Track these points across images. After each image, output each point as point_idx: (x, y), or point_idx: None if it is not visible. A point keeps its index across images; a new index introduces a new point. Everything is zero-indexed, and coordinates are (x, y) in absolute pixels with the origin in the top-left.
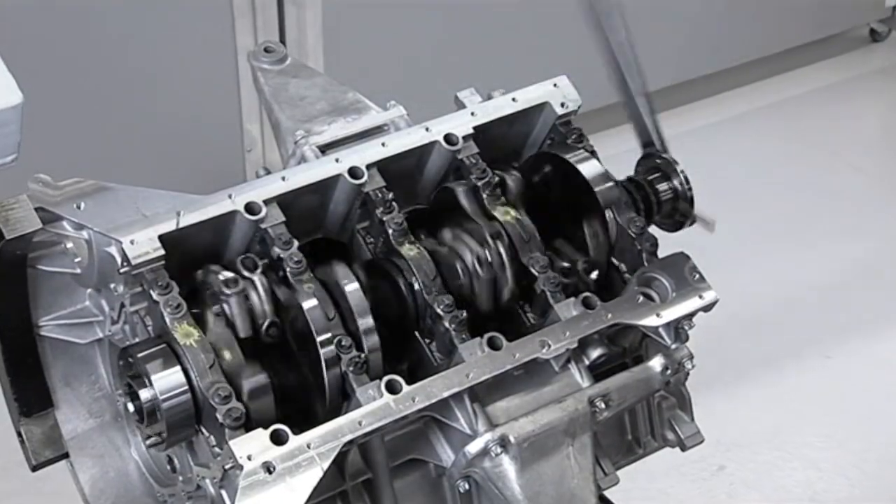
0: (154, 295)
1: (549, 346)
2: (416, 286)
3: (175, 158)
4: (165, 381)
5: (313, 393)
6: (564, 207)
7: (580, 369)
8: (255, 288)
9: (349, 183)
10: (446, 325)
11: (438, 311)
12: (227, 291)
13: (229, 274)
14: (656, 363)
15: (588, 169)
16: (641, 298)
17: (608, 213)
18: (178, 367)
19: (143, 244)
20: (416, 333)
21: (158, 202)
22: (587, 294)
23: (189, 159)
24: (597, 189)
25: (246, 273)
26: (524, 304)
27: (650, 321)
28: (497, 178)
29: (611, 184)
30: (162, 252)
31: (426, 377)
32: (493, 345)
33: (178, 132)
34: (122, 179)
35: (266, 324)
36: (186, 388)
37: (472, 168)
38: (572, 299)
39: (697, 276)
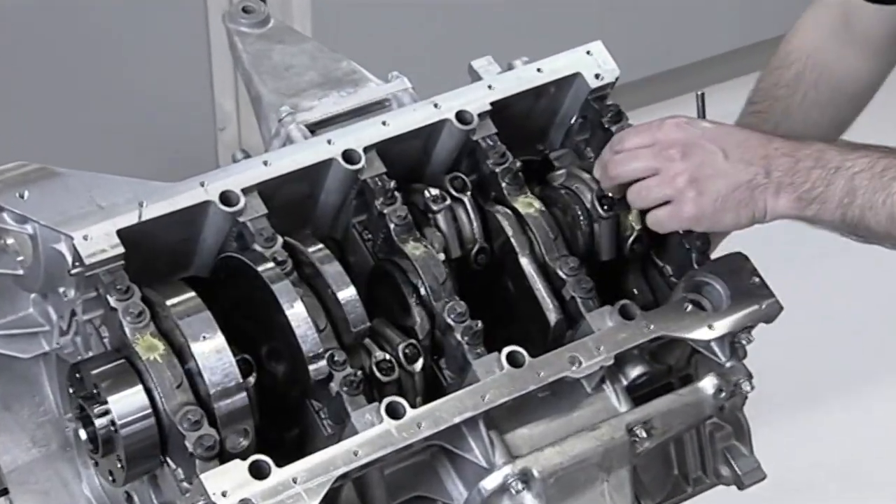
0: (111, 301)
1: (580, 362)
2: (423, 291)
3: (135, 138)
4: (124, 404)
5: (300, 417)
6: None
7: (617, 391)
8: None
9: (343, 168)
10: (458, 337)
11: (449, 320)
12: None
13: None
14: (708, 384)
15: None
16: (690, 307)
17: None
18: (139, 387)
19: (99, 240)
20: None
21: (117, 191)
22: (625, 302)
23: (152, 140)
24: None
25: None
26: None
27: (701, 334)
28: (519, 164)
29: None
30: (121, 250)
31: (433, 399)
32: (514, 361)
33: (138, 108)
34: (74, 163)
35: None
36: (149, 411)
37: (488, 151)
38: (607, 307)
39: (758, 280)
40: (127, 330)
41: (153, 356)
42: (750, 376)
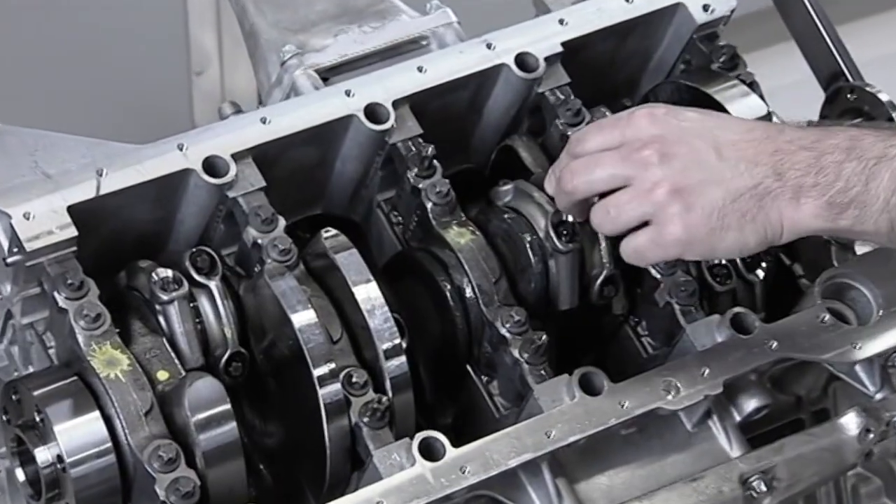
0: (60, 299)
1: (678, 389)
2: (469, 292)
3: (88, 84)
4: (75, 435)
5: (305, 456)
6: None
7: (727, 429)
8: (212, 299)
9: (366, 129)
10: (516, 353)
11: (503, 331)
12: (164, 297)
13: (167, 272)
14: (851, 422)
15: (744, 112)
16: (828, 318)
17: None
18: (96, 413)
19: (44, 219)
20: (468, 366)
21: (68, 154)
22: (739, 310)
23: (109, 86)
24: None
25: (198, 276)
26: (636, 321)
27: (842, 355)
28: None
29: None
30: (73, 233)
31: (482, 434)
32: (590, 387)
33: (90, 46)
34: (11, 116)
35: (226, 356)
36: (109, 445)
37: (558, 108)
38: (715, 318)
39: None
40: (80, 338)
41: (114, 373)
42: None
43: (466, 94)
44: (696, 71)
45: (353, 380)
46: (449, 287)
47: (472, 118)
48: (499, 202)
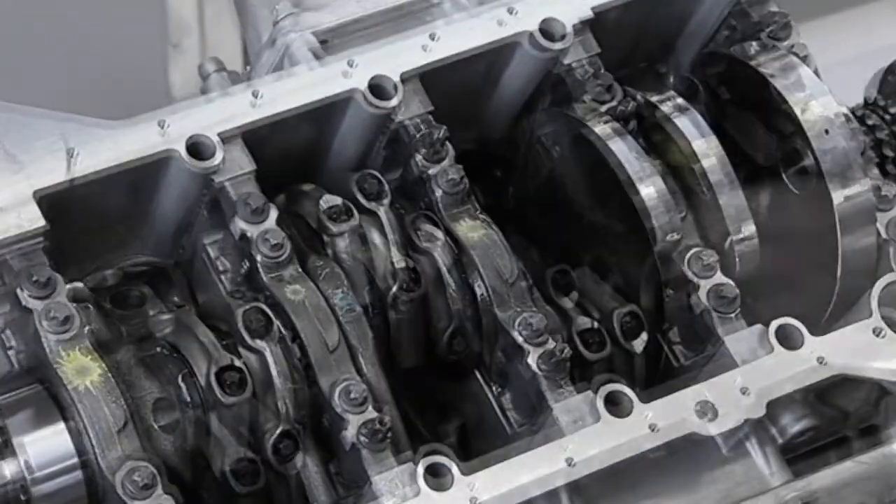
0: (24, 297)
1: (715, 412)
2: (481, 291)
3: (56, 57)
4: (40, 449)
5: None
6: (750, 155)
7: (766, 453)
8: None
9: (369, 108)
10: (532, 364)
11: (519, 338)
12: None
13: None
14: None
15: (796, 88)
16: (886, 331)
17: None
18: (60, 425)
19: (9, 208)
20: (477, 372)
21: (36, 132)
22: (786, 320)
23: (77, 58)
24: (807, 127)
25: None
26: (667, 327)
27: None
28: (631, 104)
29: (833, 114)
30: (41, 223)
31: (490, 450)
32: (616, 405)
33: (60, 15)
34: None
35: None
36: (75, 460)
37: (585, 83)
38: (757, 328)
39: None
40: (46, 343)
41: (84, 383)
42: None
43: (482, 65)
44: (740, 40)
45: (351, 393)
46: (457, 286)
47: (487, 91)
48: None
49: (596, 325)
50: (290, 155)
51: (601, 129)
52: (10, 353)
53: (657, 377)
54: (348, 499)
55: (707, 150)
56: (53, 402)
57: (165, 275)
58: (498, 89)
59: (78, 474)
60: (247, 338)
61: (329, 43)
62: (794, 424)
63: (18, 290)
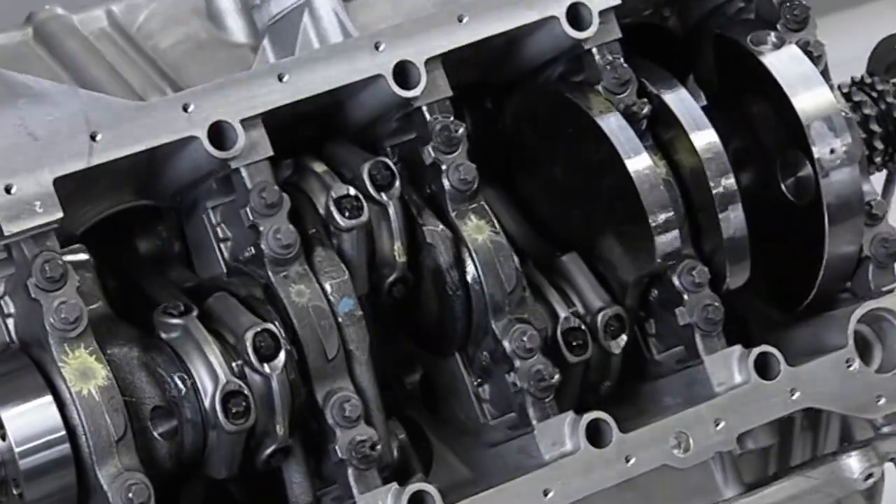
0: (32, 287)
1: (689, 446)
2: (478, 296)
3: None
4: (26, 423)
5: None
6: (750, 138)
7: (724, 465)
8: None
9: (392, 93)
10: (520, 382)
11: (509, 349)
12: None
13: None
14: (855, 465)
15: (780, 63)
16: (856, 364)
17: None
18: (48, 398)
19: (28, 196)
20: (458, 356)
21: (58, 108)
22: (767, 349)
23: None
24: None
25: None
26: (643, 316)
27: (863, 409)
28: (646, 108)
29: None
30: (59, 215)
31: (458, 423)
32: (597, 436)
33: None
34: None
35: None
36: (68, 453)
37: (603, 72)
38: (737, 351)
39: None
40: (52, 339)
41: (88, 387)
42: None
43: (502, 43)
44: (742, 22)
45: (346, 409)
46: (454, 280)
47: (503, 64)
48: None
49: (581, 324)
50: (305, 116)
51: (606, 125)
52: (9, 321)
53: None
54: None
55: (711, 154)
56: (44, 382)
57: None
58: (513, 61)
59: (70, 477)
60: (254, 361)
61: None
62: (755, 441)
63: (30, 280)
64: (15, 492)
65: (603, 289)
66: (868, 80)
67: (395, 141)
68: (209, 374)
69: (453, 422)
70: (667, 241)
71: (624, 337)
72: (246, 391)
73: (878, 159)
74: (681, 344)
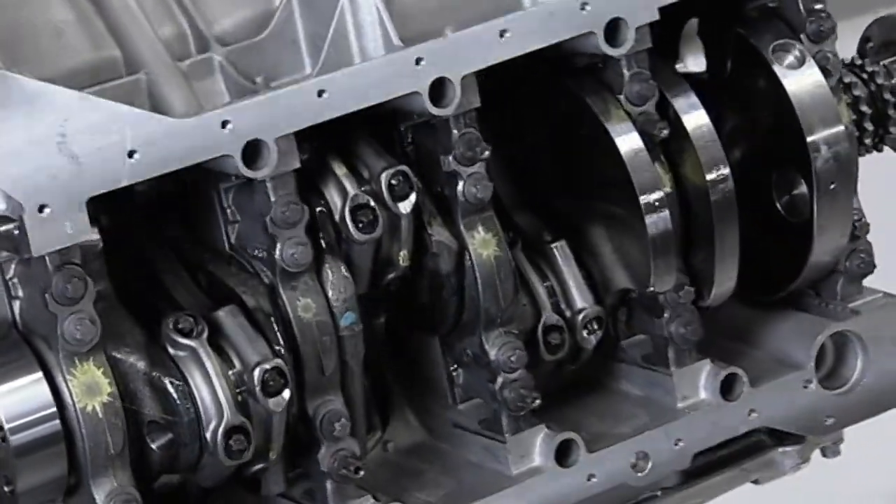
0: (50, 301)
1: (648, 467)
2: (473, 298)
3: None
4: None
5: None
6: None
7: None
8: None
9: (427, 107)
10: (499, 394)
11: (494, 359)
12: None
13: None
14: (786, 462)
15: (800, 90)
16: (813, 384)
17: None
18: (45, 387)
19: (61, 215)
20: (438, 339)
21: (100, 124)
22: (734, 370)
23: None
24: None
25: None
26: (617, 319)
27: (813, 430)
28: (664, 132)
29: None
30: (89, 236)
31: (424, 386)
32: (565, 455)
33: None
34: None
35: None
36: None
37: (626, 83)
38: (706, 366)
39: None
40: (62, 351)
41: (93, 403)
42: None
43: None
44: (766, 25)
45: (335, 432)
46: (451, 282)
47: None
48: None
49: (562, 322)
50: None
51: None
52: (15, 303)
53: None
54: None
55: (719, 182)
56: (60, 422)
57: None
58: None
59: (61, 469)
60: (259, 396)
61: None
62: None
63: (48, 294)
64: (6, 489)
65: (587, 285)
66: (858, 62)
67: (411, 122)
68: (214, 407)
69: (419, 378)
70: (666, 275)
71: (600, 334)
72: (248, 427)
73: (867, 140)
74: (652, 345)
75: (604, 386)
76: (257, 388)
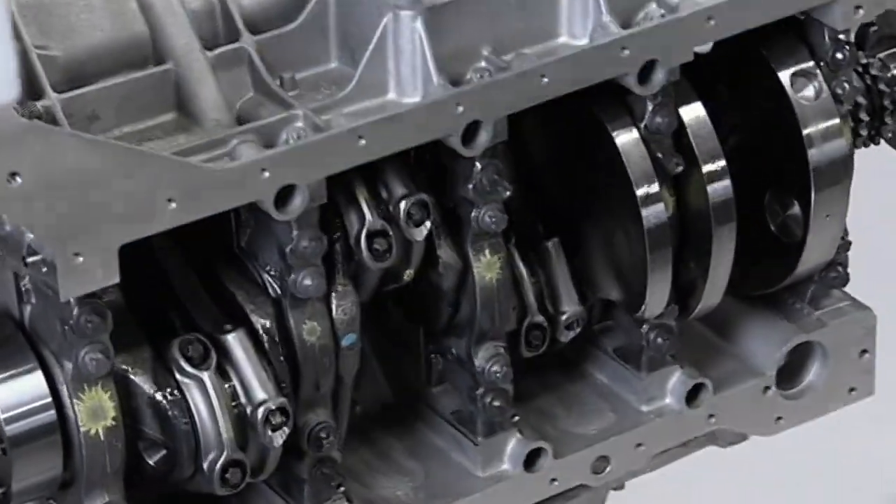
0: (69, 331)
1: (608, 469)
2: (468, 314)
3: None
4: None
5: None
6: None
7: None
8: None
9: (452, 146)
10: (479, 401)
11: (478, 369)
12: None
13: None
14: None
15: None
16: (772, 390)
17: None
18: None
19: (92, 261)
20: (421, 329)
21: (148, 177)
22: (700, 382)
23: None
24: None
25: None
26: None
27: (764, 430)
28: (678, 168)
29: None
30: (116, 279)
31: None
32: (533, 462)
33: None
34: None
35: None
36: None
37: (648, 114)
38: (676, 373)
39: (868, 356)
40: (72, 376)
41: (97, 427)
42: None
43: None
44: (785, 49)
45: (322, 450)
46: (448, 293)
47: None
48: None
49: (545, 322)
50: None
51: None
52: (26, 308)
53: None
54: None
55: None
56: (61, 440)
57: None
58: None
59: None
60: (261, 431)
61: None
62: None
63: (67, 327)
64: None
65: (574, 286)
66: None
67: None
68: (215, 440)
69: (397, 344)
70: (660, 302)
71: (579, 331)
72: (246, 462)
73: (863, 132)
74: (626, 341)
75: (573, 366)
76: (259, 426)
